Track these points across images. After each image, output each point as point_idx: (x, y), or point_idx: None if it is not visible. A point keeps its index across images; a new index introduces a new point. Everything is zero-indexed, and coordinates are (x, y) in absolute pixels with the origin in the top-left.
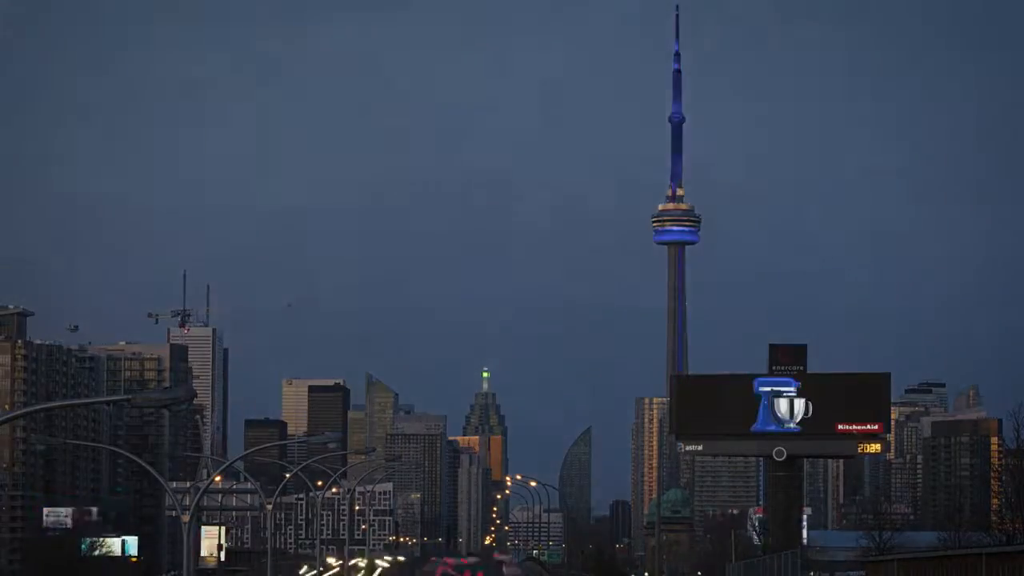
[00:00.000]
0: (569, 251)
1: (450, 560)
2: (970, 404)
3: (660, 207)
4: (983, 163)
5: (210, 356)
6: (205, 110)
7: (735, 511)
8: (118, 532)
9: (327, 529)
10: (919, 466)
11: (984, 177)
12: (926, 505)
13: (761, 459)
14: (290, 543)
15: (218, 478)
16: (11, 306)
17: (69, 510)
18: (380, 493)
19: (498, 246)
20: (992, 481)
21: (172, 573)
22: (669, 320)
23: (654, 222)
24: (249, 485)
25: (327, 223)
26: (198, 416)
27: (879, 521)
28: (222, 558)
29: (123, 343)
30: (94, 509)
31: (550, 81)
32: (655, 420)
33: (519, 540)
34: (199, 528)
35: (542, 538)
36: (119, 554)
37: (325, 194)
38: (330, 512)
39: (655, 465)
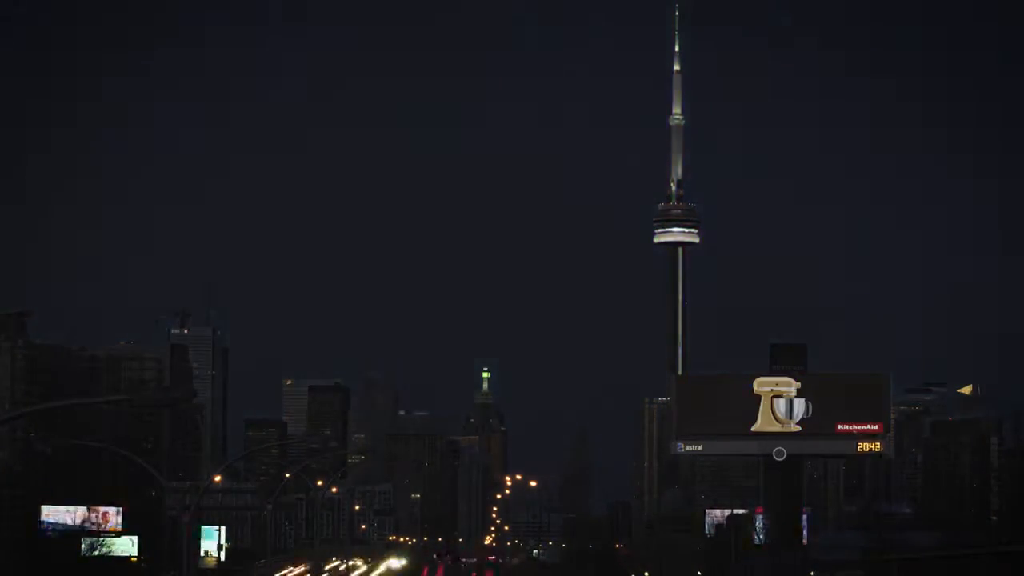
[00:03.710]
0: (569, 251)
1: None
2: (970, 404)
3: (660, 207)
4: (983, 162)
5: (210, 356)
6: (204, 110)
7: (735, 511)
8: (118, 532)
9: (327, 529)
10: (919, 466)
11: (984, 176)
12: (926, 505)
13: (761, 459)
14: (290, 542)
15: (218, 478)
16: (11, 306)
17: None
18: (380, 493)
19: (498, 246)
20: (992, 481)
21: (171, 574)
22: (669, 320)
23: (654, 222)
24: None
25: (327, 223)
26: (198, 416)
27: (879, 521)
28: (222, 558)
29: (123, 343)
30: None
31: (550, 80)
32: (655, 420)
33: (519, 540)
34: (199, 528)
35: (542, 538)
36: (120, 554)
37: (325, 193)
38: (330, 512)
39: (655, 465)
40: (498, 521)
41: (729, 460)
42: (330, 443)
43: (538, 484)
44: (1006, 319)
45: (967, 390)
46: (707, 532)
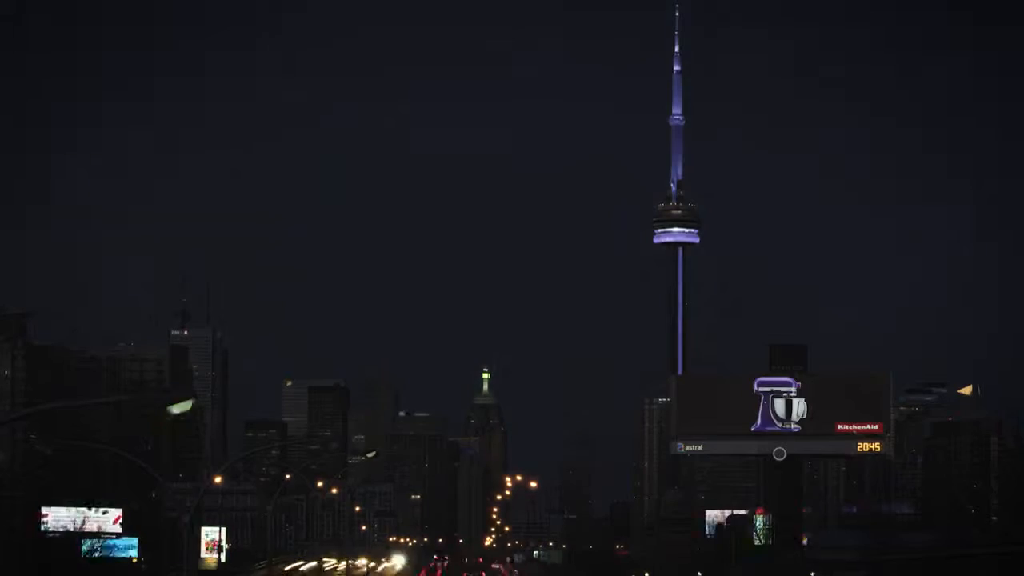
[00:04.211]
0: (569, 250)
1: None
2: (970, 404)
3: (660, 207)
4: (981, 161)
5: (210, 356)
6: (204, 110)
7: (736, 511)
8: (118, 534)
9: (327, 530)
10: (919, 466)
11: (982, 175)
12: (926, 505)
13: (761, 459)
14: (290, 543)
15: (218, 479)
16: (12, 307)
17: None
18: (380, 494)
19: (498, 246)
20: (992, 481)
21: (172, 575)
22: (668, 320)
23: (654, 222)
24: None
25: (327, 223)
26: (197, 417)
27: (879, 521)
28: (223, 559)
29: (123, 344)
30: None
31: (550, 80)
32: (654, 420)
33: (519, 541)
34: (199, 529)
35: (542, 538)
36: (120, 556)
37: (325, 193)
38: (330, 512)
39: (655, 465)
40: (498, 522)
41: (729, 460)
42: (330, 444)
43: (538, 485)
44: (1006, 319)
45: (967, 390)
46: (707, 533)
